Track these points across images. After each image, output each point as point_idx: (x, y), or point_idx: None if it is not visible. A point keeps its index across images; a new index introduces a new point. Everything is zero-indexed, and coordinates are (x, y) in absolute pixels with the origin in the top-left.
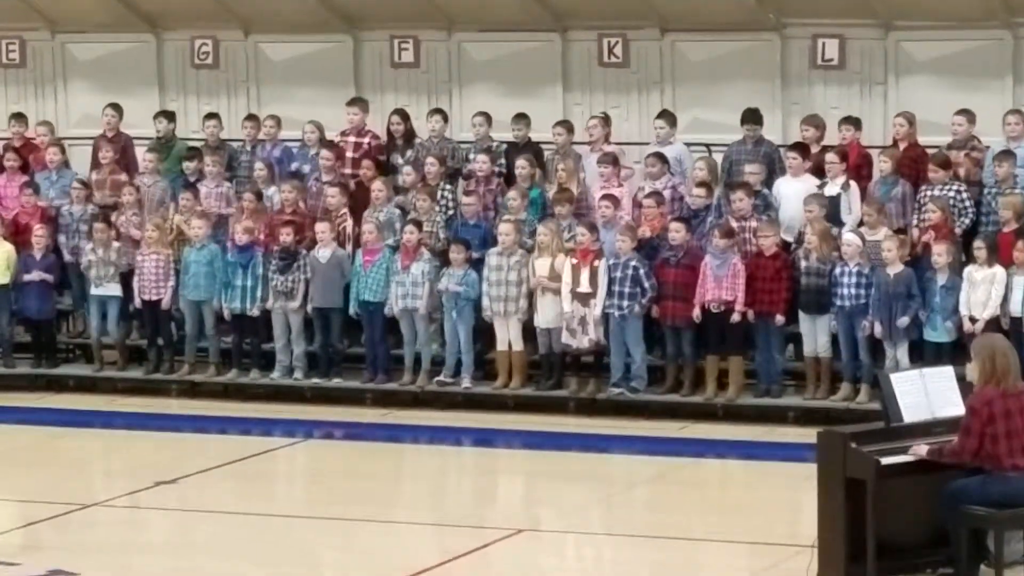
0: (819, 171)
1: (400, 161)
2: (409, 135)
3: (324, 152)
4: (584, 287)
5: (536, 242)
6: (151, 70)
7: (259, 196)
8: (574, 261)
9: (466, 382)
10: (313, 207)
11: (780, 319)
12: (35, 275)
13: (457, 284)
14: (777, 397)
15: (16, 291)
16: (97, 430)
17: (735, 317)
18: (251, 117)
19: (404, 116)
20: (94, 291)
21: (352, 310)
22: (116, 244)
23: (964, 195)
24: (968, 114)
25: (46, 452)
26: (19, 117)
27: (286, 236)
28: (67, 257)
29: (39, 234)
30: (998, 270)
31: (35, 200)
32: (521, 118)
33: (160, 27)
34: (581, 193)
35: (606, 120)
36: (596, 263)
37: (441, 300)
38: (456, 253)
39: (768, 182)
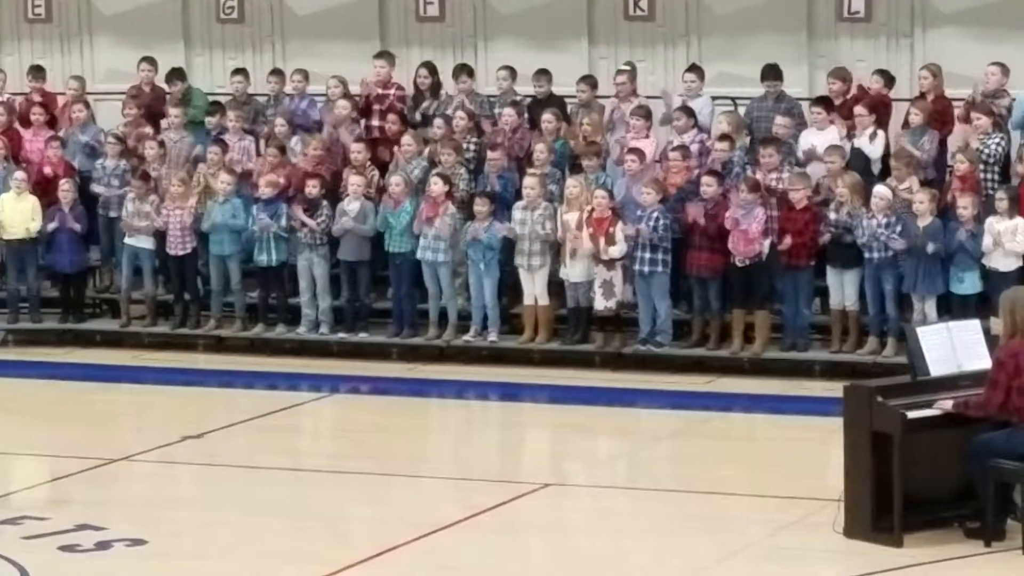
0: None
1: (429, 112)
2: (436, 88)
3: (342, 103)
4: (604, 254)
5: (566, 196)
6: (177, 25)
7: (282, 150)
8: (590, 230)
9: (492, 336)
10: (334, 158)
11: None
12: (58, 222)
13: (484, 232)
14: (804, 351)
15: (44, 245)
16: (124, 385)
17: (740, 260)
18: (276, 72)
19: (432, 69)
20: (127, 241)
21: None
22: (153, 198)
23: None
24: (1002, 66)
25: (73, 407)
26: (38, 71)
27: (312, 188)
28: (99, 211)
29: (65, 188)
30: (1020, 221)
31: (60, 153)
32: (542, 74)
33: None
34: (604, 147)
35: (633, 73)
36: (611, 229)
37: (467, 254)
38: (480, 206)
39: (795, 136)
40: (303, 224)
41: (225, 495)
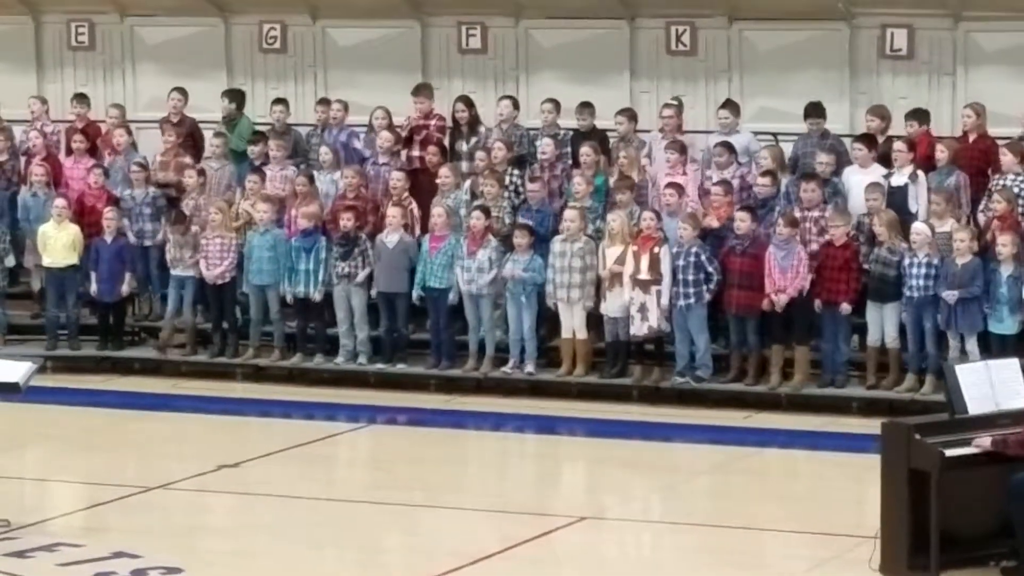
0: (886, 161)
1: (465, 148)
2: (474, 122)
3: (384, 134)
4: (644, 274)
5: (606, 230)
6: (219, 54)
7: (311, 180)
8: (634, 248)
9: (529, 368)
10: (373, 191)
11: (846, 308)
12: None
13: (523, 270)
14: (842, 387)
15: (84, 273)
16: (162, 413)
17: (781, 301)
18: (323, 101)
19: (468, 103)
20: (175, 272)
21: (415, 295)
22: (194, 228)
23: None
24: None
25: (111, 435)
26: (82, 98)
27: (347, 222)
28: (132, 240)
29: (109, 216)
30: None
31: (102, 182)
32: (585, 107)
33: (228, 11)
34: (643, 180)
35: (680, 108)
36: (657, 250)
37: (506, 286)
38: (520, 238)
39: (836, 173)
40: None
41: (261, 524)
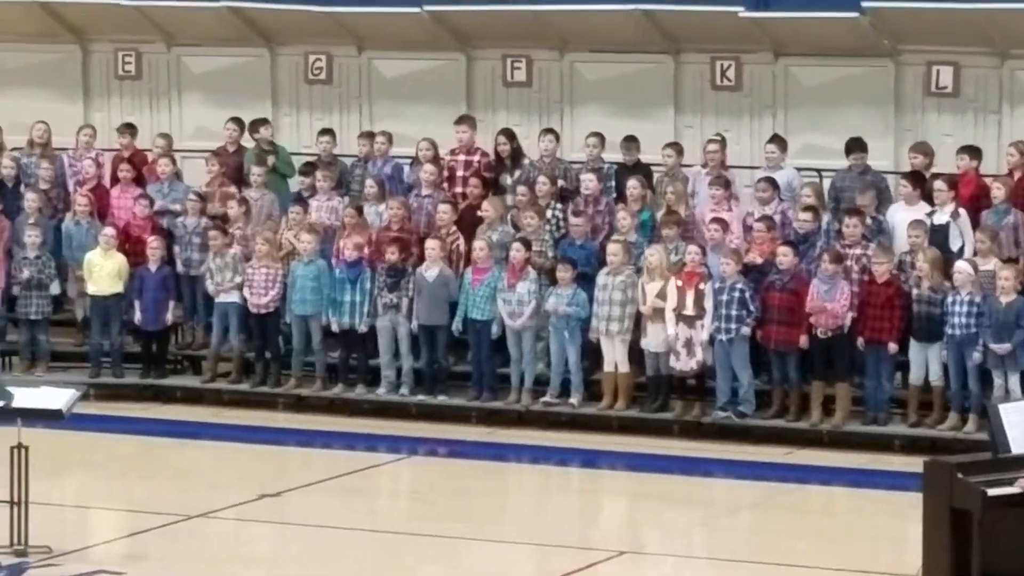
0: (929, 199)
1: (508, 181)
2: (516, 155)
3: (428, 167)
4: (688, 309)
5: (646, 265)
6: (265, 84)
7: (360, 211)
8: (679, 283)
9: (574, 400)
10: (416, 223)
11: (893, 347)
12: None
13: (567, 304)
14: (884, 425)
15: (128, 301)
16: (203, 441)
17: (823, 325)
18: (366, 134)
19: (510, 136)
20: (221, 299)
21: (455, 326)
22: (232, 251)
23: None
24: None
25: (152, 462)
26: (128, 127)
27: (392, 255)
28: (179, 268)
29: (154, 246)
30: None
31: (148, 212)
32: (630, 140)
33: (275, 42)
34: (688, 216)
35: (723, 143)
36: (702, 286)
37: (549, 320)
38: (563, 272)
39: (878, 210)
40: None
41: (300, 554)
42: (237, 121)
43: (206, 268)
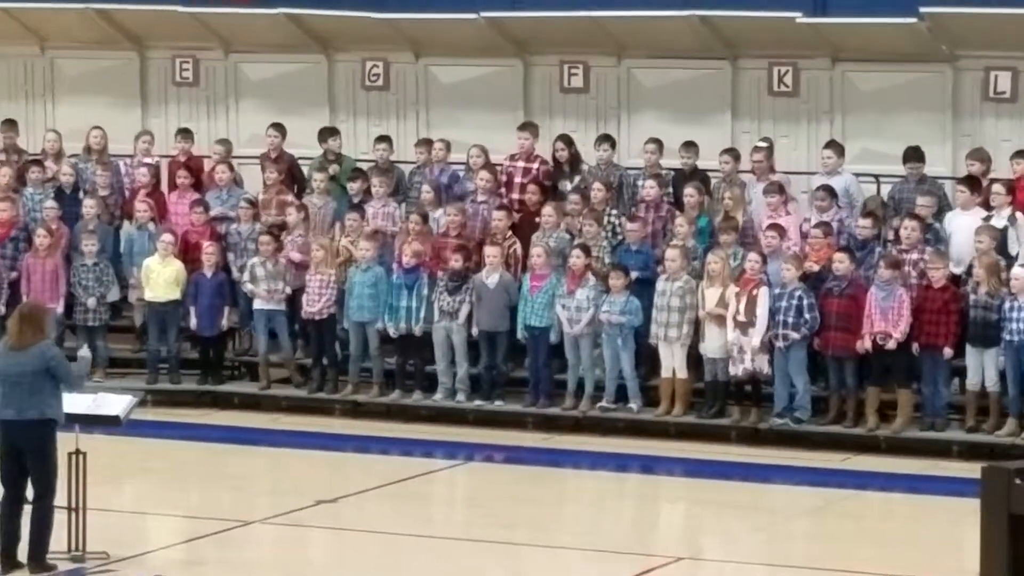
0: (986, 204)
1: (567, 187)
2: (574, 161)
3: (483, 174)
4: (742, 315)
5: (706, 270)
6: (322, 91)
7: (425, 218)
8: (736, 290)
9: (633, 405)
10: (472, 228)
11: (948, 352)
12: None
13: (619, 314)
14: (941, 431)
15: (185, 308)
16: (260, 448)
17: (891, 344)
18: (422, 142)
19: (568, 142)
20: (258, 306)
21: (520, 334)
22: (283, 259)
23: None
24: None
25: (210, 468)
26: (185, 133)
27: (455, 261)
28: (235, 275)
29: (209, 252)
30: None
31: (205, 218)
32: (689, 146)
33: (332, 48)
34: (747, 222)
35: (770, 149)
36: (755, 292)
37: (603, 327)
38: (615, 279)
39: (937, 216)
40: None
41: (356, 560)
42: (279, 127)
43: (248, 272)
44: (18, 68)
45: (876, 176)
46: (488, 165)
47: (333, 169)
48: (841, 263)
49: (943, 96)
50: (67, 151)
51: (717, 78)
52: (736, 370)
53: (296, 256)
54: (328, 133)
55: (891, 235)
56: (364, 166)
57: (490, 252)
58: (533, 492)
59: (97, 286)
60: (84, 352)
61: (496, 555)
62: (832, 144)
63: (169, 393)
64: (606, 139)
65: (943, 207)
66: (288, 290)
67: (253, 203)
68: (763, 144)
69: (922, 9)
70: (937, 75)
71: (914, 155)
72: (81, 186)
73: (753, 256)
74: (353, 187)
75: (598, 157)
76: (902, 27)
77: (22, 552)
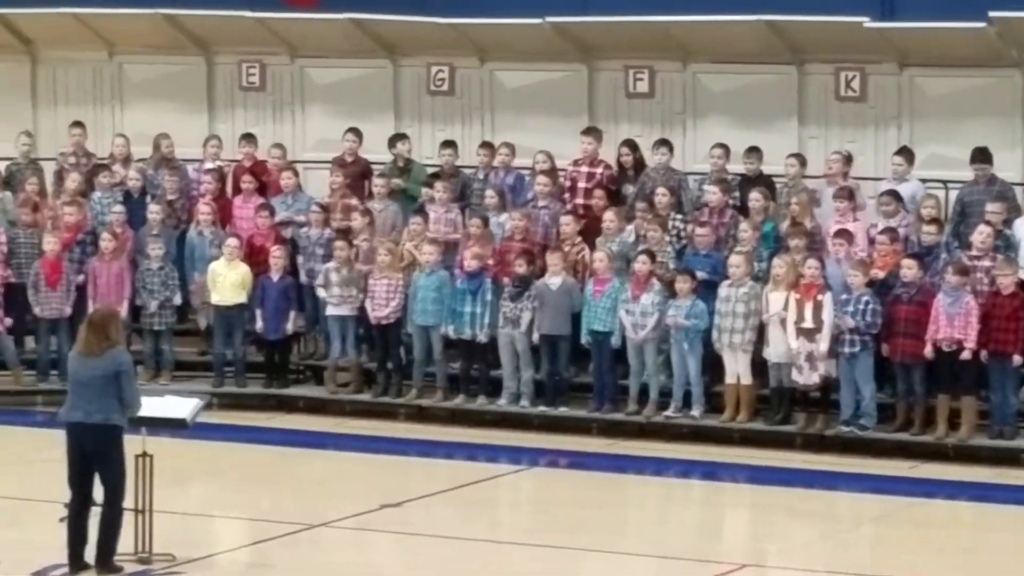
0: None
1: (630, 191)
2: (638, 165)
3: (541, 178)
4: (808, 322)
5: (771, 275)
6: (387, 96)
7: (486, 222)
8: (797, 296)
9: (695, 412)
10: (533, 233)
11: (1018, 360)
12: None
13: (685, 318)
14: (1011, 439)
15: (251, 311)
16: (325, 451)
17: (965, 355)
18: (485, 145)
19: (633, 146)
20: (331, 312)
21: (583, 339)
22: (358, 266)
23: None
24: None
25: (275, 472)
26: (248, 138)
27: (519, 266)
28: (303, 279)
29: (276, 255)
30: None
31: (270, 222)
32: (753, 151)
33: (397, 53)
34: (814, 227)
35: (848, 159)
36: (820, 297)
37: (670, 332)
38: (682, 283)
39: (1007, 221)
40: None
41: (421, 564)
42: (356, 132)
43: (323, 277)
44: (87, 73)
45: (945, 182)
46: (548, 170)
47: (395, 183)
48: (910, 269)
49: (1013, 100)
50: (134, 156)
51: (783, 83)
52: (801, 378)
53: (359, 267)
54: (397, 138)
55: (955, 241)
56: (428, 171)
57: (552, 259)
58: (597, 497)
59: (162, 289)
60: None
61: (559, 560)
62: (903, 151)
63: (235, 396)
64: (664, 143)
65: (1011, 211)
66: (361, 296)
67: (324, 207)
68: (843, 152)
69: (991, 13)
70: (1006, 79)
71: (981, 156)
72: (149, 191)
73: (813, 262)
74: (426, 192)
75: (656, 161)
76: (971, 31)
77: (89, 553)
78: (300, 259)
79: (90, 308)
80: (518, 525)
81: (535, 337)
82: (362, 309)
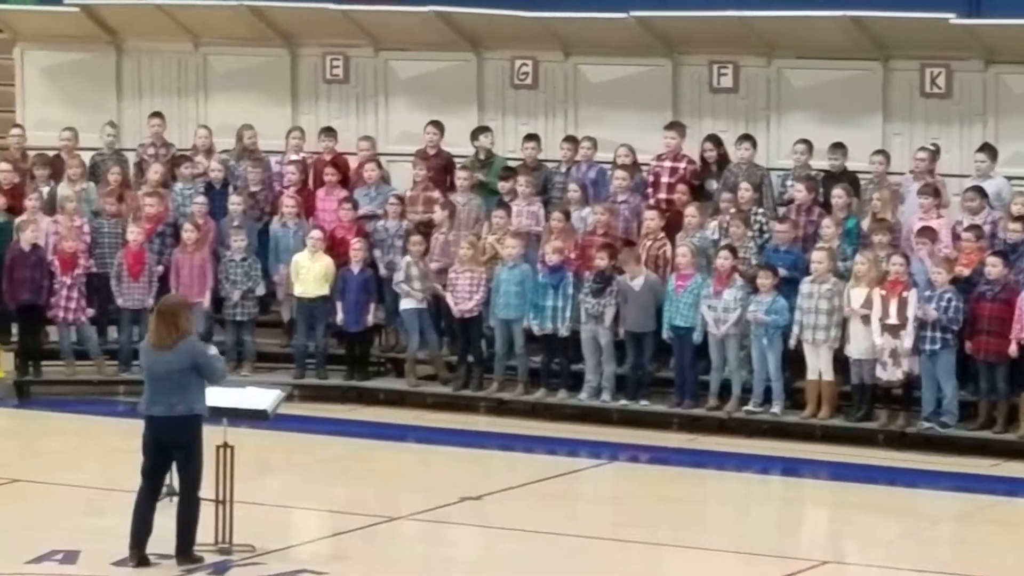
0: None
1: (714, 187)
2: (723, 161)
3: (619, 172)
4: (892, 318)
5: (853, 271)
6: (471, 89)
7: (567, 216)
8: (883, 292)
9: (776, 408)
10: (615, 227)
11: None
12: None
13: (765, 313)
14: None
15: (332, 303)
16: (406, 444)
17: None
18: (569, 139)
19: (717, 142)
20: (407, 305)
21: (665, 334)
22: (432, 263)
23: None
24: None
25: (355, 464)
26: (328, 132)
27: (601, 260)
28: (382, 271)
29: (357, 247)
30: None
31: (353, 215)
32: (837, 147)
33: (481, 47)
34: (897, 224)
35: (935, 153)
36: (905, 294)
37: (750, 327)
38: (764, 279)
39: None
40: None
41: (500, 558)
42: (437, 124)
43: (403, 272)
44: (171, 64)
45: None
46: (627, 165)
47: (477, 177)
48: (994, 267)
49: None
50: (217, 147)
51: (868, 79)
52: (885, 374)
53: (435, 265)
54: (480, 131)
55: None
56: (512, 164)
57: (627, 263)
58: (677, 492)
59: (245, 280)
60: (214, 351)
61: (639, 555)
62: (985, 147)
63: (316, 388)
64: (747, 139)
65: None
66: (432, 289)
67: (401, 199)
68: (930, 147)
69: None
70: None
71: None
72: (231, 182)
73: (897, 259)
74: (504, 186)
75: (739, 156)
76: None
77: (152, 546)
78: (377, 252)
79: None
80: (597, 520)
81: (620, 332)
82: (439, 301)
